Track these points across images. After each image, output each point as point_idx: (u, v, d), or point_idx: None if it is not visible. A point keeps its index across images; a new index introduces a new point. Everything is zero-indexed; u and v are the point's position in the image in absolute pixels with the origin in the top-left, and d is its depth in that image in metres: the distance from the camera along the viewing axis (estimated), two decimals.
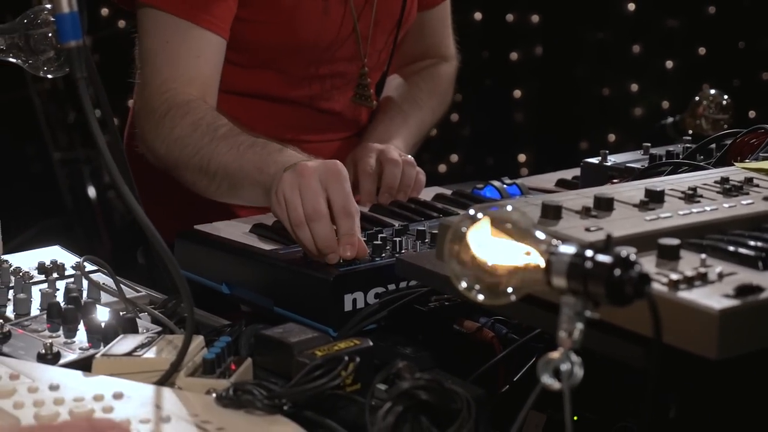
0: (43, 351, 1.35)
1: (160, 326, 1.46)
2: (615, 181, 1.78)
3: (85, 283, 1.60)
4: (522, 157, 4.97)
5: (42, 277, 1.63)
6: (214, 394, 1.22)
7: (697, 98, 2.31)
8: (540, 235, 1.07)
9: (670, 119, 2.40)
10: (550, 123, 4.93)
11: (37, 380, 1.24)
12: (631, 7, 4.82)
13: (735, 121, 2.30)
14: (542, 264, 1.06)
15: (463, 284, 1.10)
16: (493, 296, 1.10)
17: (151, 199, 2.13)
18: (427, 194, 2.04)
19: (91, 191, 4.47)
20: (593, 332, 1.05)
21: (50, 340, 1.37)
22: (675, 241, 1.21)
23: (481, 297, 1.10)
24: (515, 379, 1.45)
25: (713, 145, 1.87)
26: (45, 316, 1.46)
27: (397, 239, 1.64)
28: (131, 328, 1.42)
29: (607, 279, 1.00)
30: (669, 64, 4.83)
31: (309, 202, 1.60)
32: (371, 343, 1.32)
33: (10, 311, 1.52)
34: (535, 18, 4.88)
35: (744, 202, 1.39)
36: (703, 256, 1.18)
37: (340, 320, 1.53)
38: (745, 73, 4.70)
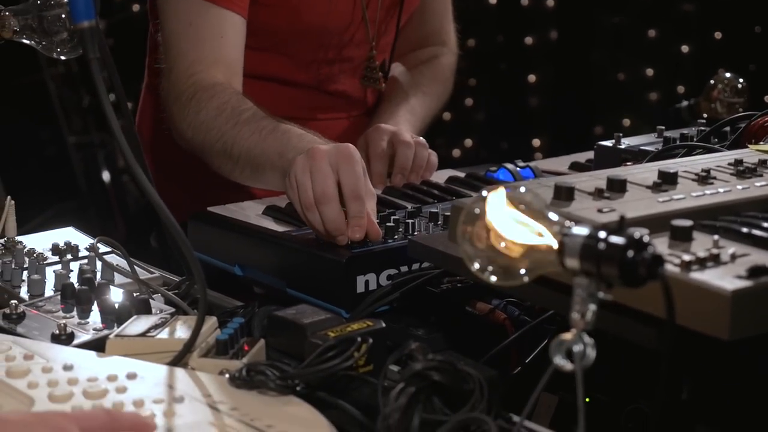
0: (57, 332, 1.35)
1: (174, 307, 1.46)
2: (628, 163, 1.77)
3: (98, 264, 1.60)
4: (536, 142, 4.96)
5: (56, 259, 1.64)
6: (227, 375, 1.22)
7: (712, 82, 2.31)
8: (553, 216, 1.07)
9: (685, 103, 2.40)
10: (565, 108, 4.92)
11: (51, 360, 1.25)
12: None
13: (750, 105, 2.29)
14: (555, 245, 1.05)
15: (476, 265, 1.10)
16: (505, 277, 1.09)
17: (166, 178, 2.14)
18: (441, 177, 2.04)
19: (106, 175, 4.48)
20: (606, 313, 1.05)
21: (64, 321, 1.38)
22: (688, 223, 1.21)
23: (493, 278, 1.10)
24: (527, 361, 1.45)
25: (727, 128, 1.87)
26: (59, 297, 1.47)
27: (410, 221, 1.65)
28: (145, 309, 1.43)
29: (621, 260, 1.00)
30: (685, 48, 4.81)
31: (318, 185, 1.60)
32: (384, 325, 1.32)
33: (24, 292, 1.52)
34: (550, 2, 4.86)
35: (758, 184, 1.39)
36: (716, 237, 1.18)
37: (352, 302, 1.53)
38: (761, 58, 4.68)
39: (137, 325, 1.35)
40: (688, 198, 1.33)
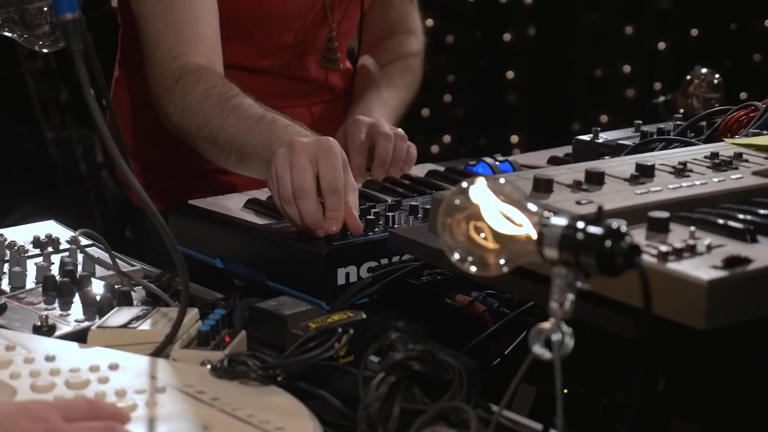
0: (39, 323, 1.36)
1: (155, 299, 1.47)
2: (606, 157, 1.79)
3: (80, 257, 1.61)
4: (514, 138, 4.97)
5: (37, 251, 1.64)
6: (208, 366, 1.23)
7: (688, 77, 2.32)
8: (532, 207, 1.08)
9: (661, 98, 2.42)
10: (543, 104, 4.93)
11: (33, 351, 1.25)
12: None
13: (726, 102, 2.31)
14: (534, 236, 1.07)
15: (456, 256, 1.11)
16: (485, 268, 1.11)
17: (141, 170, 2.15)
18: (420, 171, 2.05)
19: (84, 170, 4.47)
20: (583, 304, 1.06)
21: (46, 313, 1.39)
22: (665, 214, 1.22)
23: (473, 269, 1.11)
24: (506, 353, 1.46)
25: (704, 123, 1.89)
26: (40, 289, 1.47)
27: (390, 214, 1.66)
28: (126, 301, 1.43)
29: (598, 250, 1.01)
30: (661, 45, 4.84)
31: (296, 179, 1.61)
32: (365, 316, 1.33)
33: (5, 284, 1.53)
34: None
35: (733, 177, 1.40)
36: (692, 228, 1.19)
37: (333, 294, 1.54)
38: (737, 55, 4.71)
39: (119, 316, 1.35)
40: (665, 190, 1.34)
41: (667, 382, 1.27)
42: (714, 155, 1.48)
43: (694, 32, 4.81)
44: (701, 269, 1.11)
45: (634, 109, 4.79)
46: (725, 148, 1.55)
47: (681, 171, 1.42)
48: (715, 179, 1.39)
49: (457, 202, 1.11)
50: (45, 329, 1.35)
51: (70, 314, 1.41)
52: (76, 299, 1.44)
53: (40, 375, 1.19)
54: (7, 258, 1.60)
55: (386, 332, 1.26)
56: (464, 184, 1.12)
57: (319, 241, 1.59)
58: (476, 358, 1.37)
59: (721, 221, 1.24)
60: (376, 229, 1.63)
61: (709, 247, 1.17)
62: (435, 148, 4.88)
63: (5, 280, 1.53)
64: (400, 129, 2.07)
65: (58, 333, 1.35)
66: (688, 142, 1.71)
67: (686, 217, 1.26)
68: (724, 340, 1.19)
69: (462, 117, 4.99)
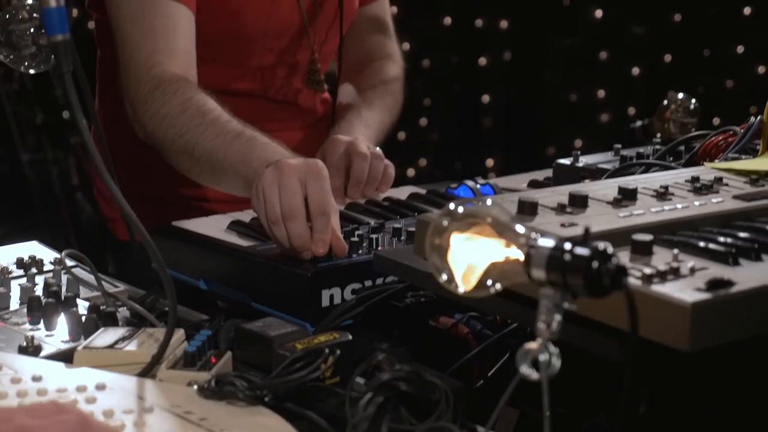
0: (25, 343, 1.36)
1: (141, 320, 1.47)
2: (586, 181, 1.81)
3: (64, 278, 1.61)
4: (490, 162, 5.00)
5: (21, 272, 1.64)
6: (195, 386, 1.24)
7: (665, 102, 2.35)
8: (519, 228, 1.09)
9: (638, 122, 2.44)
10: (518, 128, 4.96)
11: (19, 371, 1.25)
12: (599, 14, 4.86)
13: (701, 127, 2.34)
14: (521, 257, 1.08)
15: (444, 277, 1.13)
16: (473, 289, 1.12)
17: (128, 198, 2.15)
18: (402, 193, 2.06)
19: (59, 192, 4.46)
20: (568, 325, 1.07)
21: (31, 333, 1.39)
22: (648, 237, 1.24)
23: (461, 290, 1.12)
24: (489, 374, 1.47)
25: (682, 147, 1.91)
26: (25, 310, 1.47)
27: (374, 236, 1.67)
28: (112, 322, 1.44)
29: (586, 271, 1.02)
30: (635, 70, 4.88)
31: (286, 200, 1.62)
32: (351, 337, 1.34)
33: None
34: (504, 23, 4.92)
35: (714, 200, 1.43)
36: (676, 251, 1.21)
37: (317, 315, 1.54)
38: (709, 81, 4.76)
39: (105, 337, 1.35)
40: (648, 213, 1.36)
41: (648, 405, 1.28)
42: (695, 179, 1.50)
43: (668, 58, 4.86)
44: (685, 291, 1.13)
45: (608, 133, 4.83)
46: (705, 172, 1.57)
47: (663, 194, 1.44)
48: (697, 203, 1.41)
49: (445, 223, 1.13)
50: (31, 349, 1.35)
51: (54, 335, 1.41)
52: (61, 320, 1.44)
53: (27, 395, 1.20)
54: None
55: (371, 354, 1.27)
56: (452, 206, 1.14)
57: (303, 263, 1.60)
58: (460, 379, 1.38)
59: (703, 244, 1.25)
60: (360, 251, 1.63)
61: (693, 270, 1.18)
62: (411, 172, 4.90)
63: None
64: (377, 148, 2.07)
65: (44, 353, 1.35)
66: (668, 166, 1.73)
67: (669, 240, 1.28)
68: (706, 362, 1.20)
69: (438, 140, 5.01)
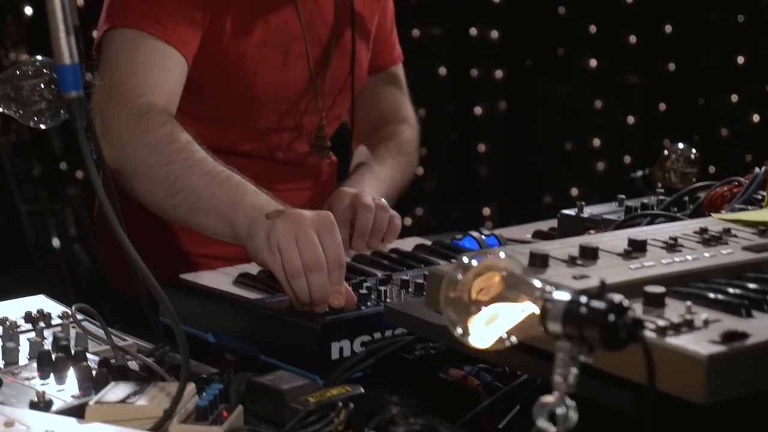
0: (36, 399, 1.35)
1: (150, 373, 1.47)
2: (591, 232, 1.81)
3: (72, 332, 1.60)
4: (486, 211, 5.01)
5: (29, 327, 1.64)
6: None
7: (666, 152, 2.36)
8: (535, 282, 1.10)
9: (639, 172, 2.45)
10: (514, 177, 4.98)
11: (32, 427, 1.24)
12: (593, 63, 4.90)
13: (701, 176, 2.35)
14: (536, 310, 1.08)
15: (459, 331, 1.13)
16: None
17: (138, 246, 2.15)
18: (407, 244, 2.07)
19: (56, 244, 4.46)
20: (583, 378, 1.08)
21: (42, 388, 1.38)
22: (660, 289, 1.24)
23: (477, 344, 1.12)
24: (500, 426, 1.47)
25: (686, 198, 1.92)
26: (34, 365, 1.47)
27: (382, 288, 1.67)
28: (122, 376, 1.43)
29: (602, 324, 1.03)
30: (630, 119, 4.92)
31: (309, 253, 1.61)
32: (363, 390, 1.34)
33: None
34: (499, 73, 4.95)
35: (724, 252, 1.43)
36: (689, 303, 1.21)
37: (327, 368, 1.54)
38: (704, 129, 4.79)
39: (116, 391, 1.35)
40: (659, 265, 1.37)
41: None
42: (703, 230, 1.51)
43: (662, 107, 4.90)
44: (700, 344, 1.13)
45: (605, 181, 4.85)
46: (713, 223, 1.57)
47: (672, 246, 1.44)
48: (707, 254, 1.42)
49: (459, 276, 1.13)
50: (42, 405, 1.35)
51: (65, 389, 1.40)
52: (71, 374, 1.44)
53: None
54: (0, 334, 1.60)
55: (381, 406, 1.27)
56: (465, 259, 1.14)
57: (313, 316, 1.60)
58: (470, 431, 1.38)
59: (716, 296, 1.26)
60: (369, 304, 1.64)
61: (706, 322, 1.19)
62: (407, 221, 4.91)
63: None
64: (383, 200, 2.08)
65: (55, 408, 1.35)
66: (675, 217, 1.74)
67: (681, 292, 1.28)
68: (722, 415, 1.20)
69: (434, 189, 5.03)
